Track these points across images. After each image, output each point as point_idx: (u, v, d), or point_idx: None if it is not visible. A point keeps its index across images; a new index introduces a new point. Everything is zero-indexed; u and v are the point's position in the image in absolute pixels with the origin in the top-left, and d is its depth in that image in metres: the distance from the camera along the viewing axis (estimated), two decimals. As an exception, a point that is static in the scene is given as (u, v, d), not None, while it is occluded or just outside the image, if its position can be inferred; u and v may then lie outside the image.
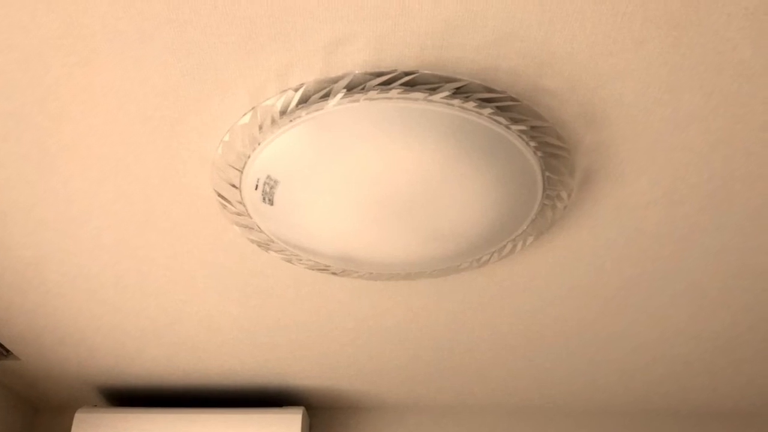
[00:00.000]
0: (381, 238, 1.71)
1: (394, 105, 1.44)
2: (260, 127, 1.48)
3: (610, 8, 1.31)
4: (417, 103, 1.44)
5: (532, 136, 1.52)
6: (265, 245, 1.80)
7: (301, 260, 1.83)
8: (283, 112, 1.45)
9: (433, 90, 1.43)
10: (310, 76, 1.43)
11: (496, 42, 1.37)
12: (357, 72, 1.43)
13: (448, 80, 1.44)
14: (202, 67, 1.39)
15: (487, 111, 1.46)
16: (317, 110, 1.45)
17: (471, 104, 1.44)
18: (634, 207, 1.80)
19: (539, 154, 1.56)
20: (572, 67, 1.43)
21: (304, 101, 1.46)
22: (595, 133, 1.58)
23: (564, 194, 1.69)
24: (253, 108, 1.47)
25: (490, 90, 1.46)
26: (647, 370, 2.51)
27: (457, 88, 1.45)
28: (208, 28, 1.31)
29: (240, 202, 1.66)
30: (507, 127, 1.49)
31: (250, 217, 1.70)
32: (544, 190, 1.65)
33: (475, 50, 1.39)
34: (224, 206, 1.68)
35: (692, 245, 1.89)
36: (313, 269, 1.88)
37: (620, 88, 1.47)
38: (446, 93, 1.42)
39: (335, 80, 1.44)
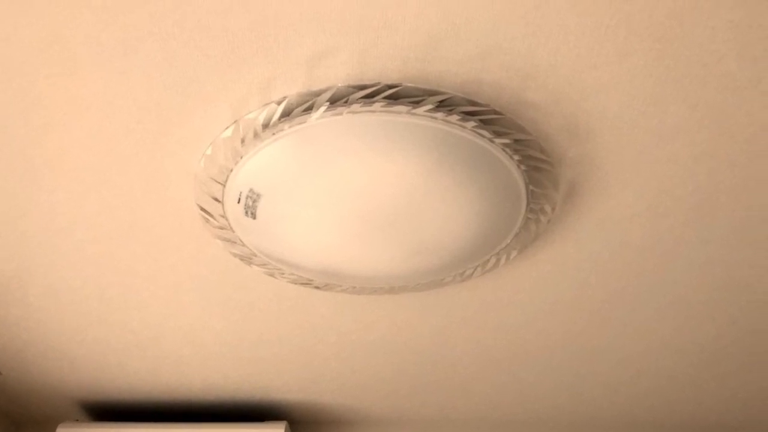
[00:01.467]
0: (364, 252, 1.71)
1: (378, 118, 1.44)
2: (242, 141, 1.48)
3: (594, 21, 1.31)
4: (400, 116, 1.44)
5: (516, 150, 1.52)
6: (248, 259, 1.80)
7: (283, 274, 1.84)
8: (265, 126, 1.45)
9: (417, 103, 1.43)
10: (292, 89, 1.43)
11: (480, 55, 1.38)
12: (340, 85, 1.42)
13: (432, 93, 1.44)
14: (185, 80, 1.39)
15: (471, 124, 1.46)
16: (300, 123, 1.45)
17: (454, 117, 1.45)
18: (619, 220, 1.80)
19: (523, 167, 1.56)
20: (556, 80, 1.43)
21: (286, 114, 1.46)
22: (579, 146, 1.58)
23: (548, 208, 1.69)
24: (235, 121, 1.47)
25: (473, 103, 1.46)
26: (632, 384, 2.52)
27: (441, 101, 1.45)
28: (191, 42, 1.31)
29: (222, 216, 1.66)
30: (490, 140, 1.50)
31: (233, 231, 1.70)
32: (528, 203, 1.65)
33: (458, 63, 1.39)
34: (207, 220, 1.68)
35: (677, 258, 1.89)
36: (296, 283, 1.89)
37: (604, 101, 1.48)
38: (430, 106, 1.42)
39: (318, 93, 1.44)
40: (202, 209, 1.66)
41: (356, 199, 1.57)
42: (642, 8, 1.29)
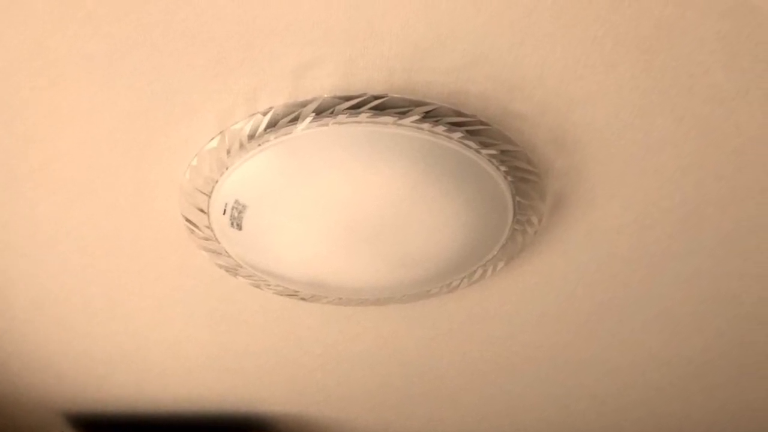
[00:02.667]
0: (350, 264, 1.72)
1: (364, 129, 1.45)
2: (228, 152, 1.49)
3: (581, 32, 1.32)
4: (386, 127, 1.46)
5: (503, 161, 1.54)
6: (234, 270, 1.80)
7: (269, 286, 1.84)
8: (251, 137, 1.46)
9: (403, 114, 1.44)
10: (278, 99, 1.45)
11: (466, 65, 1.39)
12: (326, 96, 1.44)
13: (418, 104, 1.46)
14: (171, 90, 1.40)
15: (457, 135, 1.47)
16: (286, 134, 1.46)
17: (441, 128, 1.46)
18: (606, 231, 1.82)
19: (510, 178, 1.57)
20: (543, 90, 1.45)
21: (272, 125, 1.47)
22: (566, 158, 1.60)
23: (534, 219, 1.70)
24: (221, 132, 1.48)
25: (459, 114, 1.48)
26: (619, 396, 2.53)
27: (427, 112, 1.46)
28: (176, 52, 1.32)
29: (208, 227, 1.67)
30: (477, 151, 1.51)
31: (218, 242, 1.71)
32: (515, 215, 1.67)
33: (444, 73, 1.41)
34: (192, 231, 1.69)
35: (664, 270, 1.91)
36: (281, 295, 1.90)
37: (591, 112, 1.49)
38: (416, 117, 1.44)
39: (304, 104, 1.45)
40: (187, 220, 1.67)
41: (342, 211, 1.58)
42: (629, 19, 1.30)
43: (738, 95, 1.43)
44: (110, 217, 1.71)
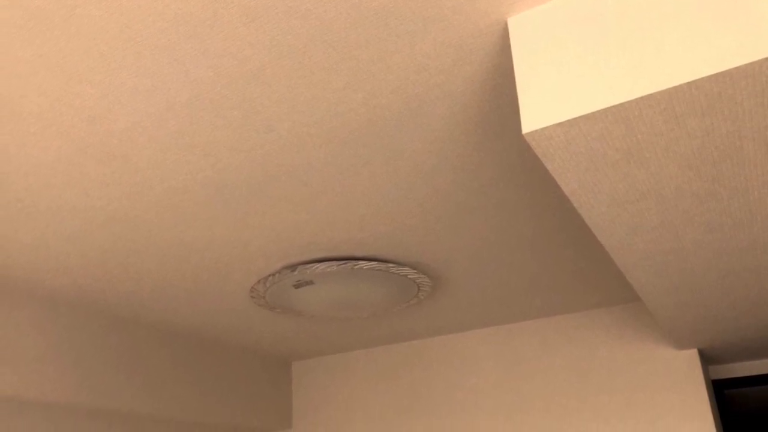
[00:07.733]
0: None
1: (353, 266, 2.62)
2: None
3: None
4: (379, 265, 2.62)
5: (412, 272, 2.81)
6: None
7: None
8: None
9: (367, 260, 2.64)
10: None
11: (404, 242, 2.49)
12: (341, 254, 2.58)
13: (374, 257, 2.62)
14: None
15: (394, 266, 2.67)
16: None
17: (387, 265, 2.65)
18: (452, 299, 3.14)
19: (412, 277, 2.86)
20: (423, 249, 2.57)
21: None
22: (436, 272, 2.83)
23: (423, 294, 3.05)
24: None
25: (399, 261, 2.65)
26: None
27: (378, 260, 2.62)
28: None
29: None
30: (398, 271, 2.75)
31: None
32: (418, 290, 3.06)
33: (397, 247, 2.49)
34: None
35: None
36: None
37: (452, 257, 2.66)
38: (375, 262, 2.62)
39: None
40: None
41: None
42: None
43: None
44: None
